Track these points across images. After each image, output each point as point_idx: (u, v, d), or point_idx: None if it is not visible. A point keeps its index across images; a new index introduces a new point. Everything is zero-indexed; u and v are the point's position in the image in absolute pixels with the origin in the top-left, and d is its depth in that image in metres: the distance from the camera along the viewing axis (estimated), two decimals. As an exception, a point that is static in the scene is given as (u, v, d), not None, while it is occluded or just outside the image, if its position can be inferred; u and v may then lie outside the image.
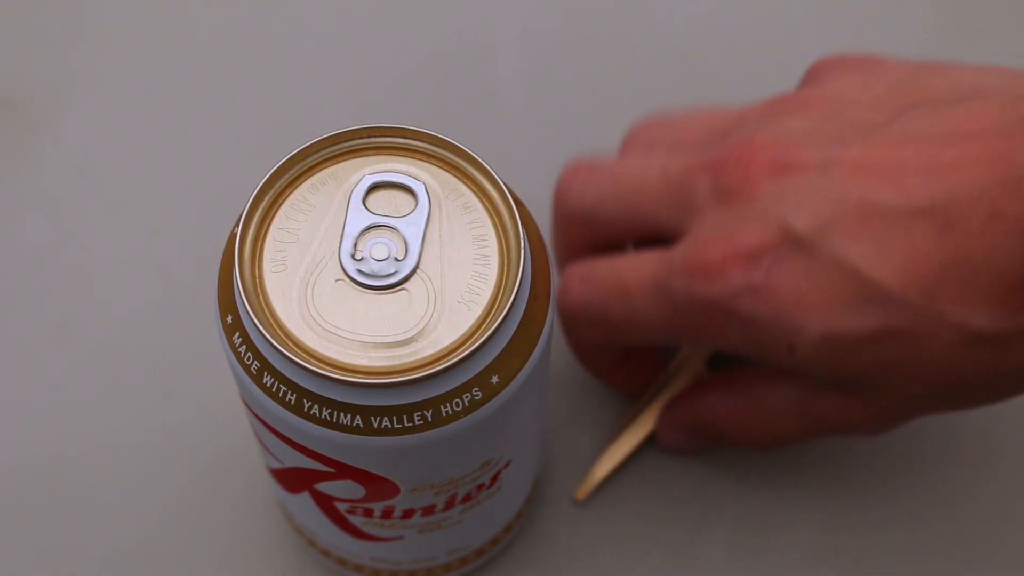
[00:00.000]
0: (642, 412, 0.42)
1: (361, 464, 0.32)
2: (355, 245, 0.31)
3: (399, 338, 0.30)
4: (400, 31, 0.49)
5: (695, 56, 0.49)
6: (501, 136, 0.48)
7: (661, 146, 0.39)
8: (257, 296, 0.30)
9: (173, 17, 0.50)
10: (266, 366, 0.30)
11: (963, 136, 0.33)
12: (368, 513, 0.34)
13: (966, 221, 0.32)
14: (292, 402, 0.30)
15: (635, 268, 0.37)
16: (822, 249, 0.34)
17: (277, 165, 0.31)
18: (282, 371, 0.30)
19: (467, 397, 0.30)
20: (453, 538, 0.37)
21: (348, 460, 0.32)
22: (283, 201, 0.31)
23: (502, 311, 0.30)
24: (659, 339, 0.38)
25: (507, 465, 0.35)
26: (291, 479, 0.35)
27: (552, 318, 0.32)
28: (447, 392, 0.30)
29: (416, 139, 0.32)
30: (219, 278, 0.31)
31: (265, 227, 0.31)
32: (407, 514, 0.34)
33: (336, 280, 0.30)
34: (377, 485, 0.33)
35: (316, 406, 0.30)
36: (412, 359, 0.30)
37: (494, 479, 0.34)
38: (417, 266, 0.30)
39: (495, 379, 0.30)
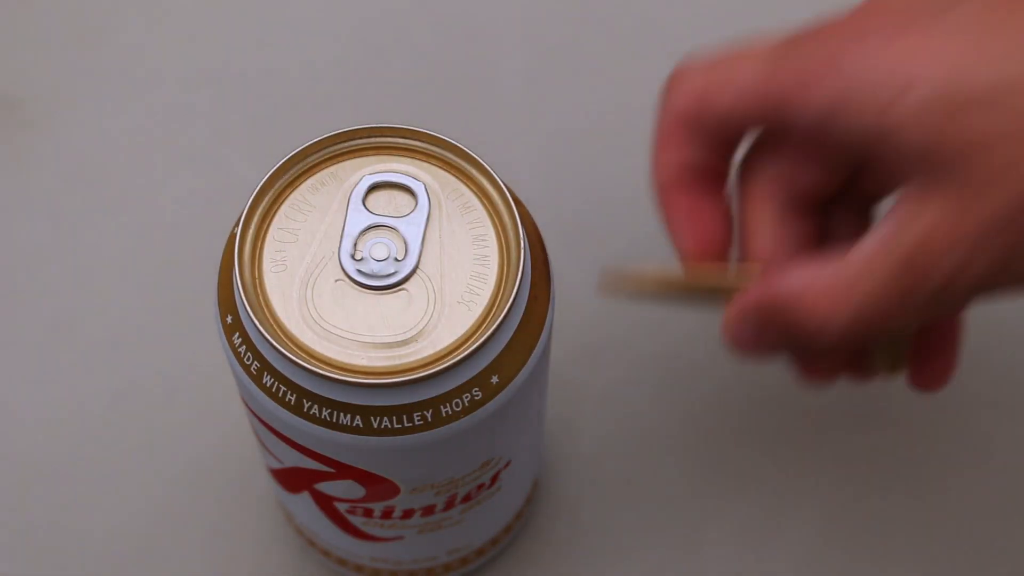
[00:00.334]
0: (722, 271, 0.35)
1: (361, 464, 0.32)
2: (355, 245, 0.31)
3: (399, 338, 0.30)
4: (400, 31, 0.49)
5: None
6: (501, 136, 0.48)
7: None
8: (257, 296, 0.30)
9: (173, 17, 0.50)
10: (266, 366, 0.30)
11: None
12: (368, 513, 0.34)
13: None
14: (292, 402, 0.30)
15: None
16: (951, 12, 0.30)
17: (277, 165, 0.31)
18: (282, 371, 0.30)
19: (467, 397, 0.30)
20: (453, 538, 0.37)
21: (348, 460, 0.32)
22: (283, 201, 0.31)
23: (502, 311, 0.30)
24: (751, 106, 0.33)
25: (507, 465, 0.35)
26: (291, 479, 0.35)
27: (552, 318, 0.32)
28: (447, 392, 0.30)
29: (416, 139, 0.32)
30: (219, 278, 0.31)
31: (265, 227, 0.31)
32: (407, 514, 0.34)
33: (336, 280, 0.30)
34: (377, 485, 0.33)
35: (316, 406, 0.30)
36: (412, 359, 0.30)
37: (494, 479, 0.34)
38: (417, 266, 0.30)
39: (495, 379, 0.30)
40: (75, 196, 0.46)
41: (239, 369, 0.31)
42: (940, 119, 0.30)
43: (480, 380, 0.30)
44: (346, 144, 0.32)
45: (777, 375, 0.43)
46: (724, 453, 0.42)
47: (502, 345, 0.30)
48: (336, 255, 0.31)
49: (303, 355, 0.29)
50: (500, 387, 0.30)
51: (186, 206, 0.46)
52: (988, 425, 0.43)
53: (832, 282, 0.32)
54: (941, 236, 0.30)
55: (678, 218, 0.35)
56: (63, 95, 0.48)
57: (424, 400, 0.30)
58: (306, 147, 0.32)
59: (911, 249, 0.30)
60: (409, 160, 0.32)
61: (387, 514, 0.34)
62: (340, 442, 0.30)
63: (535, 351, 0.31)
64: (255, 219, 0.31)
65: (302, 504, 0.36)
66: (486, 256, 0.31)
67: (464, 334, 0.30)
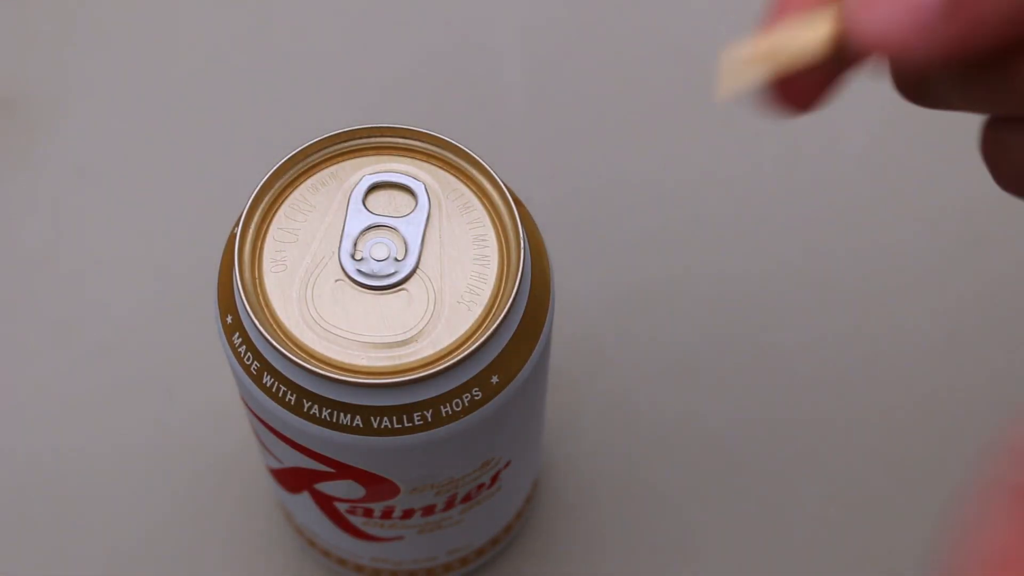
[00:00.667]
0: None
1: (361, 464, 0.32)
2: (355, 245, 0.31)
3: (399, 338, 0.30)
4: (400, 31, 0.49)
5: (697, 56, 0.49)
6: (501, 136, 0.48)
7: None
8: (257, 296, 0.30)
9: (173, 17, 0.50)
10: (266, 366, 0.30)
11: None
12: (368, 513, 0.34)
13: None
14: (292, 402, 0.30)
15: None
16: None
17: (277, 165, 0.31)
18: (282, 371, 0.30)
19: (467, 397, 0.30)
20: (453, 538, 0.37)
21: (348, 460, 0.32)
22: (283, 201, 0.31)
23: (502, 311, 0.30)
24: None
25: (507, 465, 0.35)
26: (291, 479, 0.35)
27: (552, 318, 0.32)
28: (447, 392, 0.30)
29: (416, 139, 0.32)
30: (219, 278, 0.31)
31: (265, 227, 0.31)
32: (407, 514, 0.34)
33: (336, 280, 0.30)
34: (377, 485, 0.33)
35: (316, 406, 0.30)
36: (412, 359, 0.30)
37: (494, 479, 0.34)
38: (417, 266, 0.30)
39: (495, 379, 0.30)
40: (75, 196, 0.46)
41: (239, 369, 0.31)
42: None
43: (480, 380, 0.30)
44: (346, 144, 0.32)
45: (778, 374, 0.43)
46: (724, 453, 0.42)
47: (502, 345, 0.30)
48: (336, 255, 0.31)
49: (303, 355, 0.29)
50: (500, 387, 0.30)
51: (186, 206, 0.46)
52: (991, 427, 0.43)
53: None
54: None
55: None
56: (63, 95, 0.48)
57: (424, 400, 0.30)
58: (306, 147, 0.32)
59: None
60: (409, 160, 0.32)
61: (387, 514, 0.34)
62: (340, 442, 0.30)
63: (535, 351, 0.31)
64: (255, 219, 0.31)
65: (302, 504, 0.36)
66: (486, 256, 0.31)
67: (464, 334, 0.30)
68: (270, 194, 0.31)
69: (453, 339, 0.30)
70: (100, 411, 0.43)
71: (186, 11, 0.50)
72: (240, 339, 0.30)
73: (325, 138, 0.32)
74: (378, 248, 0.31)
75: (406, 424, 0.30)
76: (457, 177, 0.32)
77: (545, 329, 0.31)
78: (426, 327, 0.30)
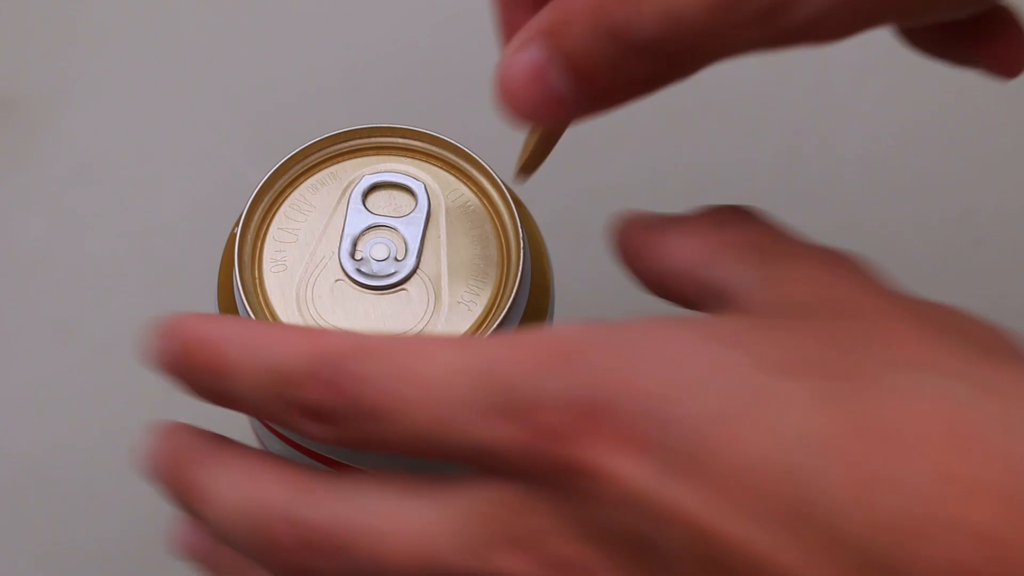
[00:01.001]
0: None
1: (361, 464, 0.32)
2: (355, 245, 0.31)
3: (399, 338, 0.30)
4: (400, 31, 0.49)
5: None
6: (501, 136, 0.48)
7: None
8: (257, 296, 0.30)
9: (173, 17, 0.50)
10: (266, 366, 0.30)
11: None
12: (368, 513, 0.34)
13: None
14: (292, 402, 0.30)
15: None
16: None
17: (277, 165, 0.31)
18: (282, 371, 0.30)
19: (467, 397, 0.30)
20: (453, 538, 0.37)
21: (348, 460, 0.32)
22: (283, 201, 0.31)
23: (502, 311, 0.30)
24: None
25: (507, 465, 0.34)
26: (291, 479, 0.34)
27: (552, 318, 0.32)
28: (447, 392, 0.30)
29: (416, 139, 0.32)
30: (219, 278, 0.31)
31: (265, 227, 0.31)
32: (407, 514, 0.34)
33: (336, 280, 0.30)
34: (377, 485, 0.33)
35: (316, 406, 0.30)
36: (412, 359, 0.30)
37: (494, 479, 0.34)
38: (417, 266, 0.30)
39: (495, 379, 0.30)
40: (75, 196, 0.46)
41: (239, 369, 0.31)
42: None
43: (480, 380, 0.30)
44: (346, 144, 0.32)
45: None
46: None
47: (502, 345, 0.30)
48: (336, 255, 0.31)
49: (303, 355, 0.29)
50: (500, 387, 0.30)
51: (186, 206, 0.46)
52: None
53: None
54: None
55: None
56: (63, 95, 0.48)
57: (424, 400, 0.30)
58: (306, 147, 0.32)
59: None
60: (409, 160, 0.32)
61: (387, 514, 0.34)
62: (340, 442, 0.30)
63: (535, 351, 0.31)
64: (255, 219, 0.31)
65: (302, 504, 0.36)
66: (486, 256, 0.31)
67: (464, 334, 0.30)
68: (270, 194, 0.31)
69: (453, 339, 0.30)
70: (100, 411, 0.43)
71: (186, 11, 0.50)
72: (240, 339, 0.30)
73: (325, 138, 0.32)
74: (378, 248, 0.31)
75: (406, 424, 0.30)
76: (457, 177, 0.32)
77: (545, 329, 0.31)
78: (426, 327, 0.30)
